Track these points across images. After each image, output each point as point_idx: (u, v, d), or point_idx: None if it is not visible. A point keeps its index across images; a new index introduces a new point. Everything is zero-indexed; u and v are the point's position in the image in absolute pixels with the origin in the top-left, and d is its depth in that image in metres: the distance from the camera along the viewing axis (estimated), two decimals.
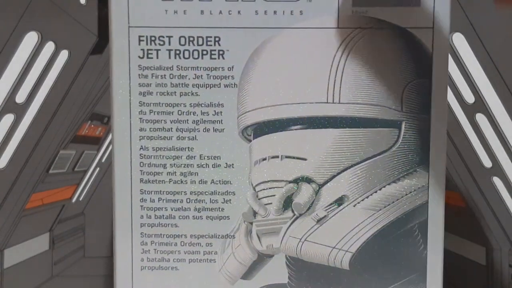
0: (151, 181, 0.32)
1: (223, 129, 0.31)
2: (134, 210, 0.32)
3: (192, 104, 0.31)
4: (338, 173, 0.31)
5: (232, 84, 0.31)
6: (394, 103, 0.31)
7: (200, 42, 0.31)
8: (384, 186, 0.31)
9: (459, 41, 0.43)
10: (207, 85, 0.31)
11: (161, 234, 0.32)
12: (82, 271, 0.58)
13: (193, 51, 0.31)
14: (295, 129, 0.31)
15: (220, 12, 0.31)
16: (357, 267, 0.32)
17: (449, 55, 0.46)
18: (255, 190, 0.32)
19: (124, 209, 0.32)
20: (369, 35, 0.31)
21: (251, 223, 0.32)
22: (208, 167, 0.32)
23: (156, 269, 0.32)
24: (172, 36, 0.31)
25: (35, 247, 0.54)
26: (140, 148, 0.32)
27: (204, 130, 0.31)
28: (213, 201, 0.32)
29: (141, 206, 0.32)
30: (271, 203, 0.32)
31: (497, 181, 0.46)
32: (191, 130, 0.31)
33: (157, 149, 0.32)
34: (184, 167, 0.32)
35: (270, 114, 0.31)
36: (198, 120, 0.31)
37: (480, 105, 0.45)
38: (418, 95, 0.31)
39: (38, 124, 0.48)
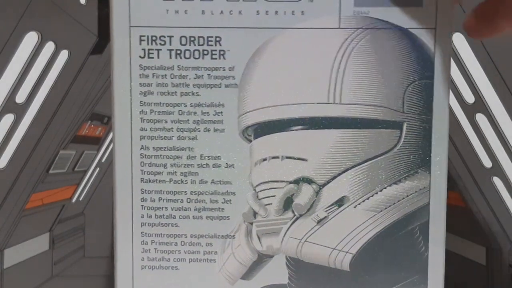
0: (152, 180, 0.32)
1: (223, 129, 0.31)
2: (134, 209, 0.32)
3: (193, 104, 0.31)
4: (339, 174, 0.31)
5: (233, 84, 0.31)
6: (396, 104, 0.31)
7: (201, 42, 0.31)
8: (385, 188, 0.31)
9: (459, 41, 0.43)
10: (208, 85, 0.31)
11: (161, 234, 0.32)
12: (82, 271, 0.58)
13: (194, 51, 0.31)
14: (296, 130, 0.31)
15: (221, 12, 0.31)
16: (357, 269, 0.32)
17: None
18: (255, 191, 0.32)
19: (125, 209, 0.32)
20: (370, 35, 0.31)
21: (251, 224, 0.32)
22: (209, 167, 0.32)
23: (156, 269, 0.32)
24: (173, 36, 0.31)
25: (35, 247, 0.54)
26: (141, 148, 0.32)
27: (205, 130, 0.31)
28: (213, 201, 0.32)
29: (142, 205, 0.32)
30: (271, 204, 0.31)
31: (497, 181, 0.46)
32: (191, 130, 0.31)
33: (158, 148, 0.32)
34: (184, 167, 0.32)
35: (270, 115, 0.31)
36: (199, 120, 0.31)
37: (480, 105, 0.45)
38: (420, 96, 0.31)
39: (38, 124, 0.48)
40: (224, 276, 0.32)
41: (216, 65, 0.31)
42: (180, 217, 0.32)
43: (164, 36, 0.31)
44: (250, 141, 0.31)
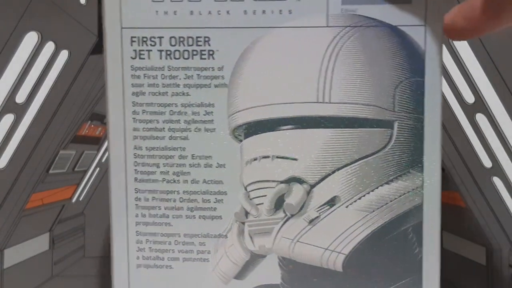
0: (145, 180, 0.32)
1: (214, 129, 0.31)
2: (129, 208, 0.32)
3: (184, 104, 0.31)
4: (330, 174, 0.31)
5: (222, 84, 0.31)
6: (387, 102, 0.31)
7: (190, 43, 0.31)
8: (377, 187, 0.31)
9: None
10: (198, 85, 0.31)
11: (155, 233, 0.32)
12: (82, 271, 0.58)
13: (184, 51, 0.31)
14: (286, 129, 0.31)
15: (209, 13, 0.31)
16: (350, 269, 0.31)
17: (449, 55, 0.46)
18: (246, 190, 0.32)
19: (119, 208, 0.32)
20: (359, 33, 0.30)
21: (244, 223, 0.32)
22: (200, 167, 0.32)
23: (151, 267, 0.32)
24: (163, 37, 0.31)
25: (35, 247, 0.55)
26: (134, 148, 0.32)
27: (196, 130, 0.31)
28: (205, 201, 0.32)
29: (136, 205, 0.32)
30: (262, 203, 0.31)
31: (497, 181, 0.46)
32: (183, 130, 0.31)
33: (151, 148, 0.32)
34: (177, 166, 0.32)
35: (260, 114, 0.31)
36: (190, 120, 0.31)
37: (480, 105, 0.44)
38: (411, 94, 0.30)
39: (38, 124, 0.48)
40: (217, 276, 0.32)
41: (205, 65, 0.31)
42: (173, 216, 0.32)
43: (154, 37, 0.31)
44: (241, 140, 0.31)
